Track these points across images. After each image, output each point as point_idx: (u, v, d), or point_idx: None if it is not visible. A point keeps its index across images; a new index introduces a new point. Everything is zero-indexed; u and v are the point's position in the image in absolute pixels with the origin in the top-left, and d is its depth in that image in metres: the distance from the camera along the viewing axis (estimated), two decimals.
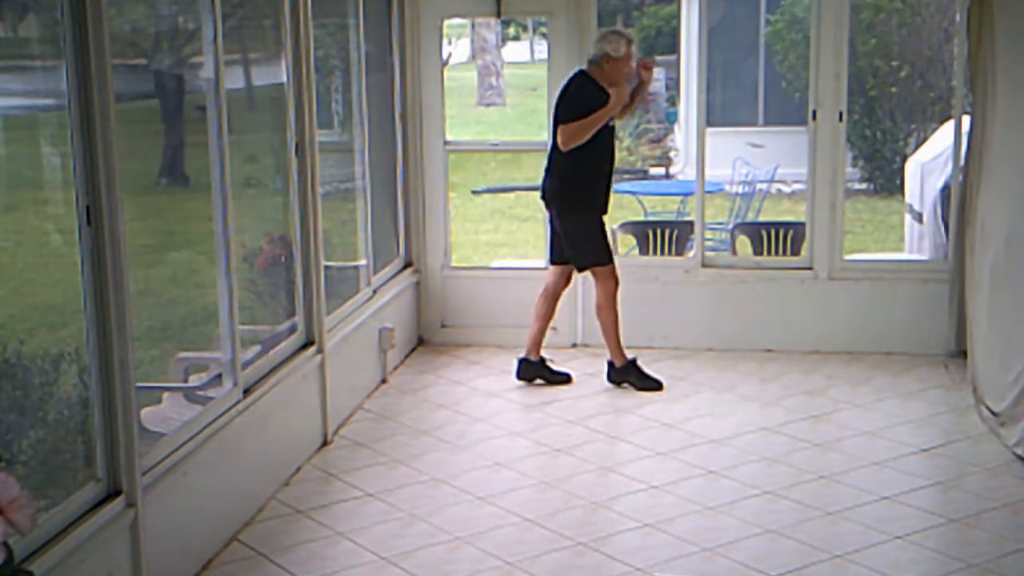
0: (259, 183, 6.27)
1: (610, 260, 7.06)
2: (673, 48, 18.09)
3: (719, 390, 7.12)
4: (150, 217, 5.50)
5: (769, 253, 8.69)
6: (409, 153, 7.93)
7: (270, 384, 5.56)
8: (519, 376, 7.21)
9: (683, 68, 16.12)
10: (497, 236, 13.34)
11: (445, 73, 8.13)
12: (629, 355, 7.13)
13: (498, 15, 7.83)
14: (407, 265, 8.03)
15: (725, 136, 7.56)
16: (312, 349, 6.12)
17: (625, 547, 5.03)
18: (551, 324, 7.29)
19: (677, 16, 17.66)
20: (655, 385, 7.05)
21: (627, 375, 7.10)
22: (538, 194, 7.27)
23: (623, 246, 9.48)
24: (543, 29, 19.65)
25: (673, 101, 18.30)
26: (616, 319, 7.08)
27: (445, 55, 8.44)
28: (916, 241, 10.05)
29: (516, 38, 28.92)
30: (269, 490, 5.59)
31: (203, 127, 5.22)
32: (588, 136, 6.81)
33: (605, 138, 6.95)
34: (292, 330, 6.08)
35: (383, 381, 7.32)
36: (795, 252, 8.40)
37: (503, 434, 6.43)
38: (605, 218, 7.06)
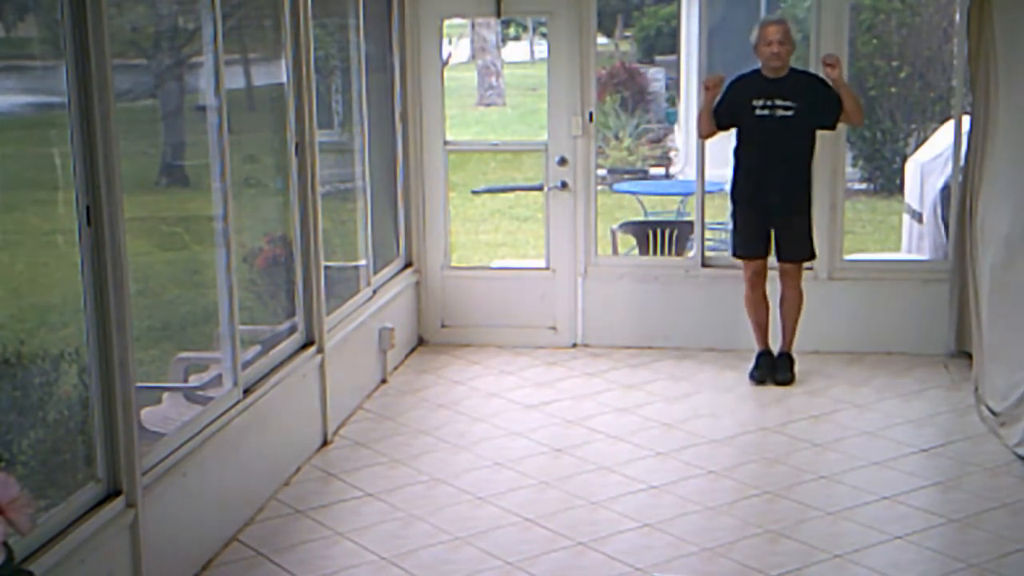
0: (259, 183, 6.27)
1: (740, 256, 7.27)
2: (673, 48, 18.09)
3: (719, 390, 7.12)
4: (150, 217, 5.50)
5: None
6: (409, 153, 7.93)
7: (270, 384, 5.56)
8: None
9: (683, 68, 16.10)
10: (497, 236, 13.33)
11: (445, 73, 8.12)
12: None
13: (498, 15, 7.83)
14: (407, 265, 8.02)
15: (725, 136, 7.55)
16: (312, 349, 6.12)
17: (625, 547, 5.03)
18: None
19: (677, 16, 17.64)
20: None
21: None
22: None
23: (623, 246, 9.49)
24: (543, 29, 19.63)
25: (673, 101, 18.28)
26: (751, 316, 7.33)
27: (445, 55, 8.44)
28: (915, 241, 10.05)
29: (516, 38, 28.88)
30: (269, 490, 5.59)
31: (203, 127, 5.22)
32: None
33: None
34: (292, 330, 6.08)
35: (383, 381, 7.32)
36: None
37: (503, 434, 6.43)
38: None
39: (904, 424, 6.49)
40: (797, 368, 7.23)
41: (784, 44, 6.94)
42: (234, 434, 5.15)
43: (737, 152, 7.16)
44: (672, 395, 7.03)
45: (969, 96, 7.26)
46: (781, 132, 6.95)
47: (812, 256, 7.23)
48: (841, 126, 7.30)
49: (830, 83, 6.99)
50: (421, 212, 8.04)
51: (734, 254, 7.30)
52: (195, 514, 4.81)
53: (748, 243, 7.18)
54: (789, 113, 6.92)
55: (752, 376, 7.21)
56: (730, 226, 7.37)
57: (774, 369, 7.21)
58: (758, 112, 6.96)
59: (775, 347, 7.27)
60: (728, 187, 7.30)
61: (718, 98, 7.11)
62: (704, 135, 7.33)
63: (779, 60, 6.95)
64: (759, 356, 7.25)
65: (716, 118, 7.13)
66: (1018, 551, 4.95)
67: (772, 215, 7.09)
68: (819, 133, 7.13)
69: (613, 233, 9.21)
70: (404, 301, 7.83)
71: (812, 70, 7.29)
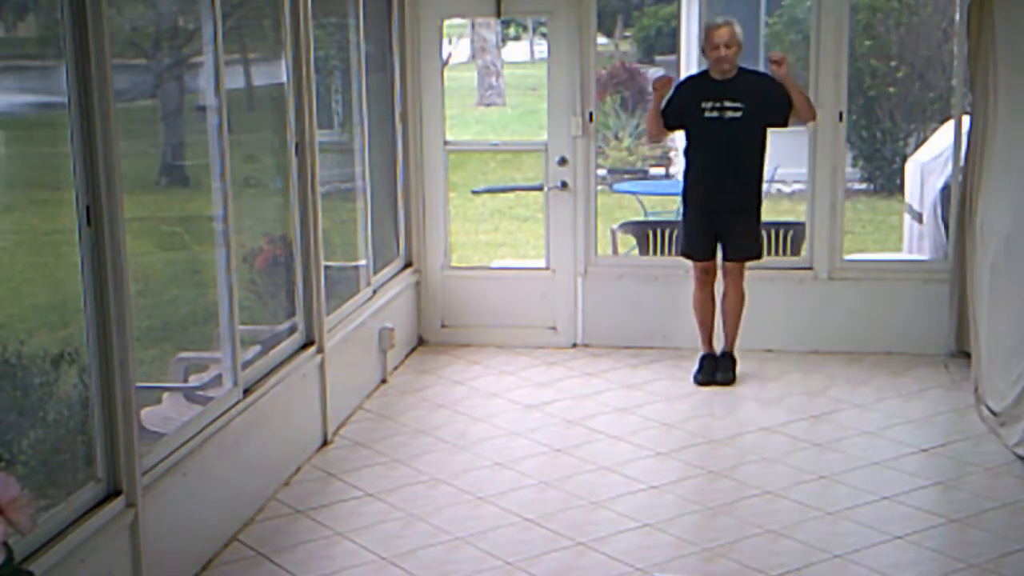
0: (259, 183, 6.27)
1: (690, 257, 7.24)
2: (673, 48, 18.07)
3: (720, 390, 7.12)
4: (150, 217, 5.50)
5: (769, 253, 8.65)
6: (409, 153, 7.93)
7: (270, 384, 5.56)
8: None
9: (683, 68, 16.13)
10: (497, 236, 13.33)
11: (445, 73, 8.13)
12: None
13: (498, 15, 7.83)
14: (407, 265, 8.02)
15: None
16: (312, 349, 6.12)
17: (625, 547, 5.03)
18: None
19: (677, 16, 17.64)
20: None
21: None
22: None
23: (623, 246, 9.48)
24: (543, 29, 19.62)
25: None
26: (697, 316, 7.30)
27: (445, 55, 8.44)
28: (916, 241, 10.05)
29: (516, 38, 28.86)
30: (269, 490, 5.59)
31: (203, 127, 5.22)
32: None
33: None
34: (292, 330, 6.08)
35: (383, 381, 7.32)
36: (795, 252, 8.39)
37: (503, 434, 6.43)
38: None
39: (904, 424, 6.49)
40: (739, 368, 7.24)
41: (731, 47, 6.92)
42: (234, 434, 5.15)
43: (687, 154, 7.16)
44: (672, 395, 7.03)
45: (969, 96, 7.26)
46: (730, 133, 6.94)
47: (758, 256, 7.23)
48: (843, 128, 7.31)
49: (779, 80, 6.99)
50: (421, 212, 8.04)
51: (681, 253, 7.30)
52: (195, 514, 4.81)
53: (697, 244, 7.18)
54: (738, 115, 6.92)
55: (695, 379, 7.22)
56: (681, 226, 7.37)
57: (716, 371, 7.25)
58: (707, 115, 6.95)
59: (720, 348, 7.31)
60: (680, 188, 7.29)
61: (666, 99, 7.11)
62: (653, 136, 7.44)
63: (727, 63, 6.94)
64: (702, 359, 7.28)
65: (664, 119, 7.12)
66: (1018, 551, 4.95)
67: (719, 215, 7.08)
68: (826, 131, 7.12)
69: (613, 233, 9.20)
70: (404, 301, 7.83)
71: (809, 69, 7.30)
